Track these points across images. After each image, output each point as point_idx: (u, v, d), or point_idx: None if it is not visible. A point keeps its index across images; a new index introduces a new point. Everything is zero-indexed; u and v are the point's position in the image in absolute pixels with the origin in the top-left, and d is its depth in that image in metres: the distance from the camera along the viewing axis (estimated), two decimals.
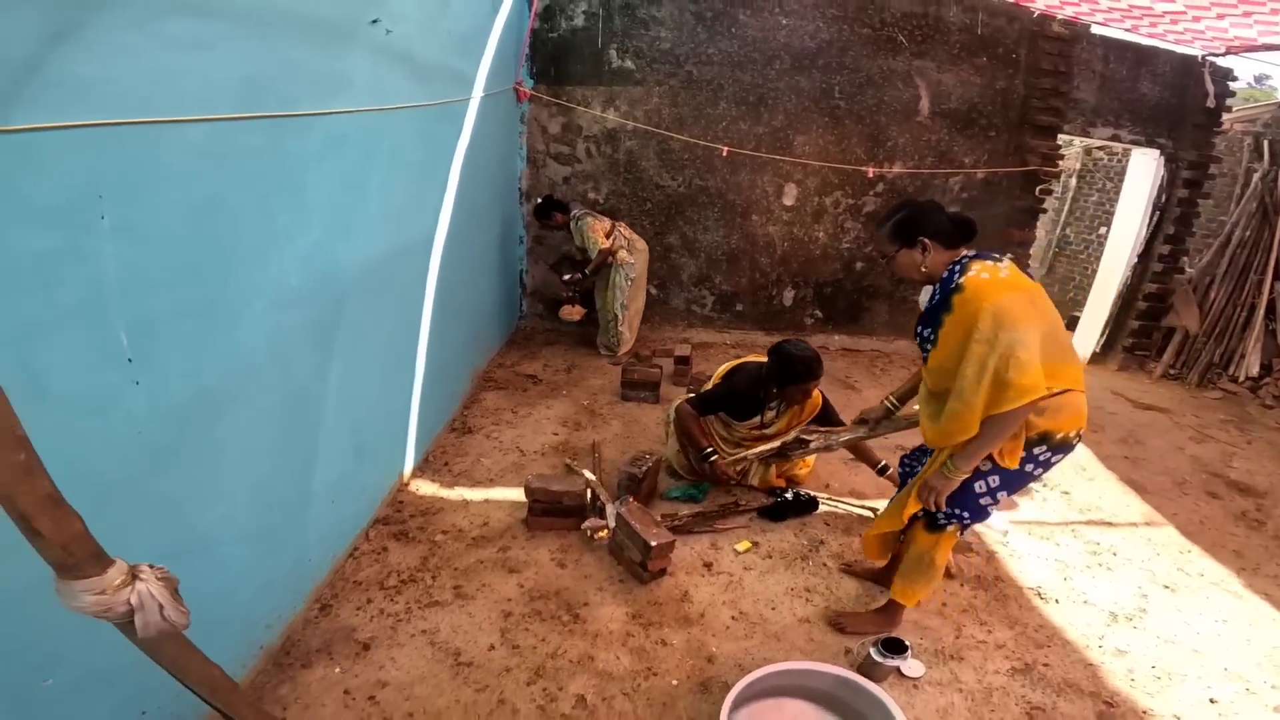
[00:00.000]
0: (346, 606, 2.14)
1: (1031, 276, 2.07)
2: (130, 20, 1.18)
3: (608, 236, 4.34)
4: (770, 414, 2.88)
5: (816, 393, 2.87)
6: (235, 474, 1.67)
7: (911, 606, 2.19)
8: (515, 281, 5.05)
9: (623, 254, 4.38)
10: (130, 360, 1.27)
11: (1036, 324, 1.70)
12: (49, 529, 0.82)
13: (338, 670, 1.89)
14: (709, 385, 2.99)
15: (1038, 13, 4.77)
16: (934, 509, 1.95)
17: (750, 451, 2.83)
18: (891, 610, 2.21)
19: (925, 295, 2.00)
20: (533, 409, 3.74)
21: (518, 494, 2.75)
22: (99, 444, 1.24)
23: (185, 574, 1.07)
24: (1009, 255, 1.91)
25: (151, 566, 1.03)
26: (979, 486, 1.92)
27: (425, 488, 2.85)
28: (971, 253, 1.85)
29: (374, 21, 2.10)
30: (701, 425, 2.87)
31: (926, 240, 1.84)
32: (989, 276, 1.74)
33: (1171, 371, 5.57)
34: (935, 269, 1.86)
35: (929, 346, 1.88)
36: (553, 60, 4.59)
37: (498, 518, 2.67)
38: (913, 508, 2.02)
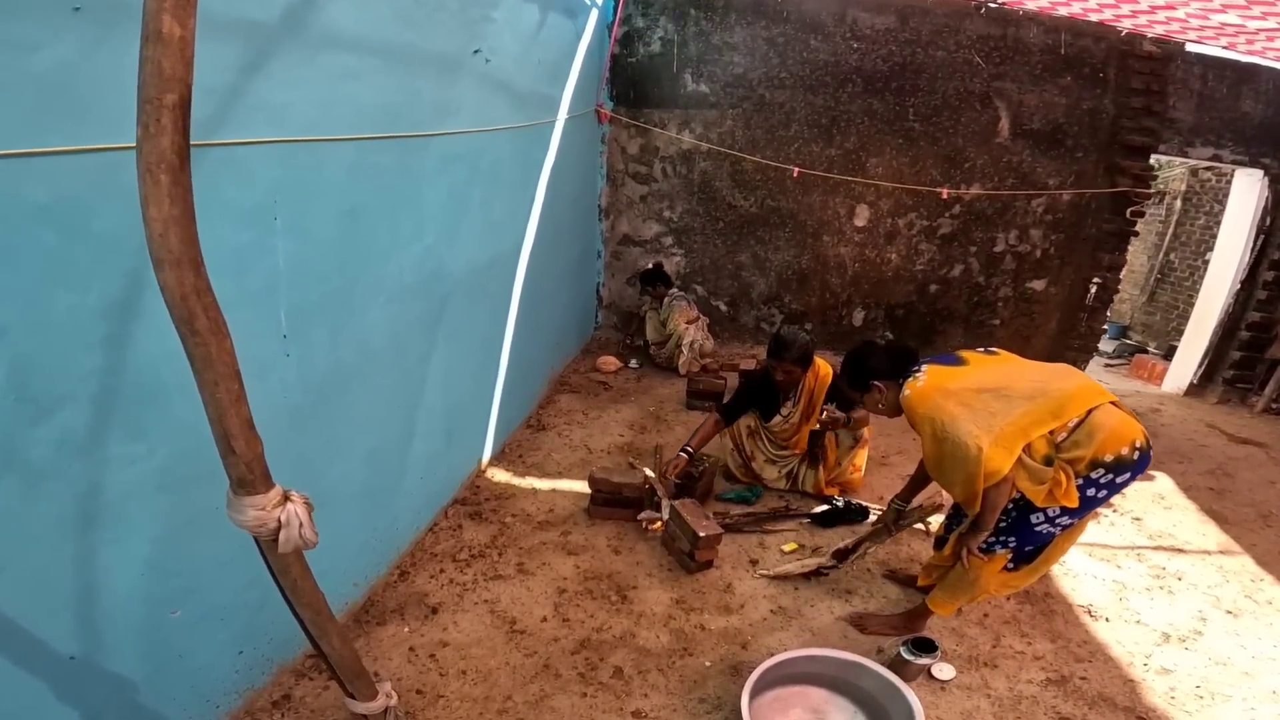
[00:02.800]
0: (422, 574, 2.40)
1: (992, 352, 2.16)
2: (304, 54, 1.51)
3: (689, 324, 4.68)
4: (788, 405, 3.00)
5: (822, 374, 2.95)
6: (354, 440, 2.00)
7: (944, 615, 2.23)
8: (592, 293, 5.34)
9: (692, 329, 4.67)
10: (285, 336, 1.59)
11: (967, 408, 1.84)
12: (242, 448, 1.09)
13: (406, 630, 2.14)
14: None
15: (1125, 32, 4.65)
16: (973, 555, 2.02)
17: (790, 566, 2.62)
18: (917, 615, 2.25)
19: None
20: (602, 412, 3.98)
21: (582, 486, 2.98)
22: (258, 403, 1.55)
23: None
24: (925, 362, 2.07)
25: (298, 493, 1.30)
26: (1035, 518, 1.94)
27: (500, 475, 3.14)
28: (910, 370, 2.05)
29: (476, 51, 2.43)
30: (711, 430, 2.96)
31: (877, 384, 2.11)
32: (910, 392, 1.98)
33: (1275, 405, 5.18)
34: (892, 403, 2.11)
35: None
36: (631, 84, 4.89)
37: (562, 505, 2.92)
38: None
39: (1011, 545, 2.02)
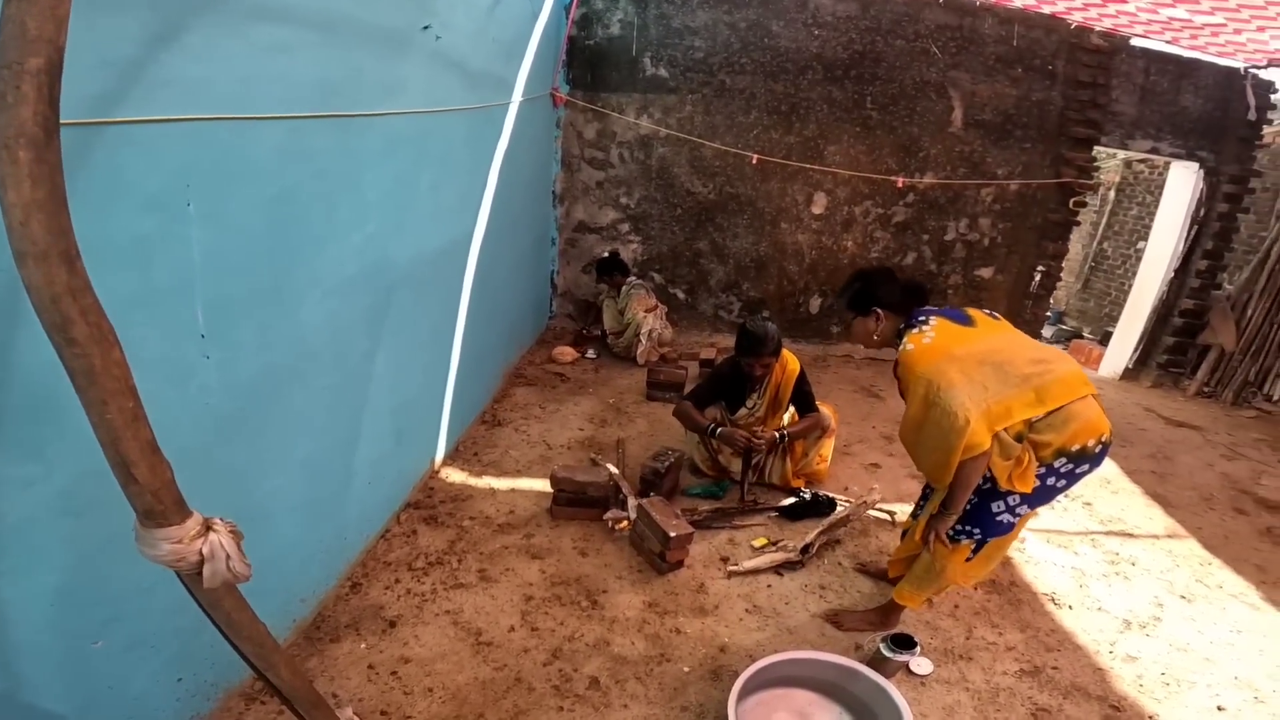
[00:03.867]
0: (376, 585, 2.24)
1: (994, 314, 2.12)
2: (226, 25, 1.32)
3: (648, 312, 4.61)
4: (753, 397, 2.96)
5: (790, 366, 2.92)
6: (290, 448, 1.81)
7: (914, 608, 2.22)
8: (546, 281, 5.18)
9: (650, 318, 4.61)
10: (204, 336, 1.41)
11: (966, 378, 1.78)
12: (145, 475, 0.92)
13: (364, 646, 1.99)
14: None
15: (1076, 25, 4.76)
16: (940, 542, 2.00)
17: (759, 561, 2.55)
18: (890, 610, 2.25)
19: None
20: (561, 405, 3.85)
21: (543, 485, 2.85)
22: (175, 411, 1.38)
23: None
24: (936, 312, 1.99)
25: (222, 520, 1.15)
26: (996, 506, 1.94)
27: (455, 476, 2.98)
28: (915, 317, 1.97)
29: (425, 28, 2.24)
30: (697, 410, 2.92)
31: (879, 310, 2.00)
32: (913, 347, 1.88)
33: (1206, 389, 5.46)
34: (886, 336, 2.03)
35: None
36: (589, 67, 4.73)
37: (523, 506, 2.78)
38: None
39: (976, 536, 2.02)
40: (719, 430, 2.86)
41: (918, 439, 1.86)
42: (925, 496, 2.25)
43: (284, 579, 1.89)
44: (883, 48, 4.76)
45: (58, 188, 0.68)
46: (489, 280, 3.41)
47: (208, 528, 1.06)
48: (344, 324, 1.98)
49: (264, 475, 1.71)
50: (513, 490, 2.90)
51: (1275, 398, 5.21)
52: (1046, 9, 4.56)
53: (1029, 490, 1.87)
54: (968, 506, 1.97)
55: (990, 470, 1.87)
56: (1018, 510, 1.95)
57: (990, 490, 1.92)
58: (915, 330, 1.92)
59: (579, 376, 4.36)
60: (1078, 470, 1.88)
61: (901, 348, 1.91)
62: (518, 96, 3.56)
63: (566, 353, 4.61)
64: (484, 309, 3.40)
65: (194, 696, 1.59)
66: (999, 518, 1.96)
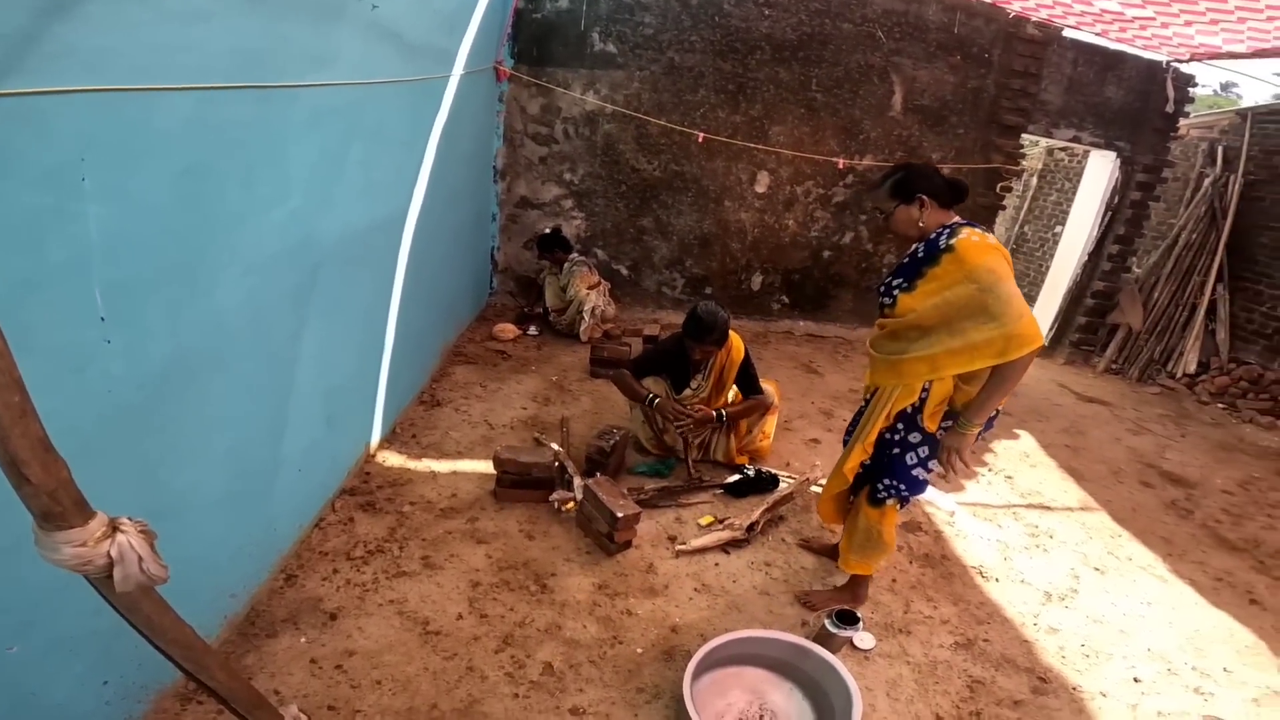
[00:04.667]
0: (313, 577, 2.16)
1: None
2: None
3: (590, 289, 4.57)
4: (698, 378, 3.00)
5: (735, 350, 2.96)
6: (209, 438, 1.70)
7: (870, 574, 2.30)
8: (487, 258, 5.04)
9: (594, 295, 4.59)
10: (104, 319, 1.29)
11: (1012, 283, 1.78)
12: (38, 475, 0.84)
13: (304, 640, 1.92)
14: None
15: (1014, 14, 4.91)
16: (957, 470, 1.97)
17: (706, 539, 2.59)
18: (855, 584, 2.33)
19: None
20: (502, 384, 3.78)
21: (486, 466, 2.80)
22: (74, 403, 1.26)
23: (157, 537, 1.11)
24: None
25: (131, 520, 1.06)
26: (909, 458, 2.03)
27: (393, 459, 2.88)
28: (962, 220, 1.93)
29: None
30: (637, 380, 2.93)
31: (925, 197, 1.91)
32: (979, 240, 1.83)
33: (1114, 366, 5.87)
34: (930, 226, 1.93)
35: (897, 293, 1.95)
36: (535, 41, 4.57)
37: (466, 489, 2.73)
38: (854, 461, 2.13)
39: (904, 494, 2.09)
40: (656, 400, 2.87)
41: (965, 320, 1.80)
42: (856, 422, 2.22)
43: (211, 575, 1.79)
44: (830, 30, 4.80)
45: None
46: (426, 257, 3.28)
47: (114, 528, 0.98)
48: (266, 304, 1.86)
49: (180, 468, 1.60)
50: (454, 473, 2.84)
51: (1178, 375, 5.63)
52: None
53: (934, 429, 1.96)
54: (887, 461, 2.04)
55: (919, 412, 1.96)
56: (928, 464, 2.04)
57: (903, 441, 2.02)
58: (979, 229, 1.88)
59: (521, 354, 4.29)
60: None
61: (963, 238, 1.84)
62: (459, 69, 3.40)
63: (508, 330, 4.52)
64: (421, 286, 3.27)
65: (123, 699, 1.50)
66: (914, 471, 2.04)
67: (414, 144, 2.99)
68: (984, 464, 3.65)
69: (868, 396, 2.15)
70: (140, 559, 0.98)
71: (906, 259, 1.99)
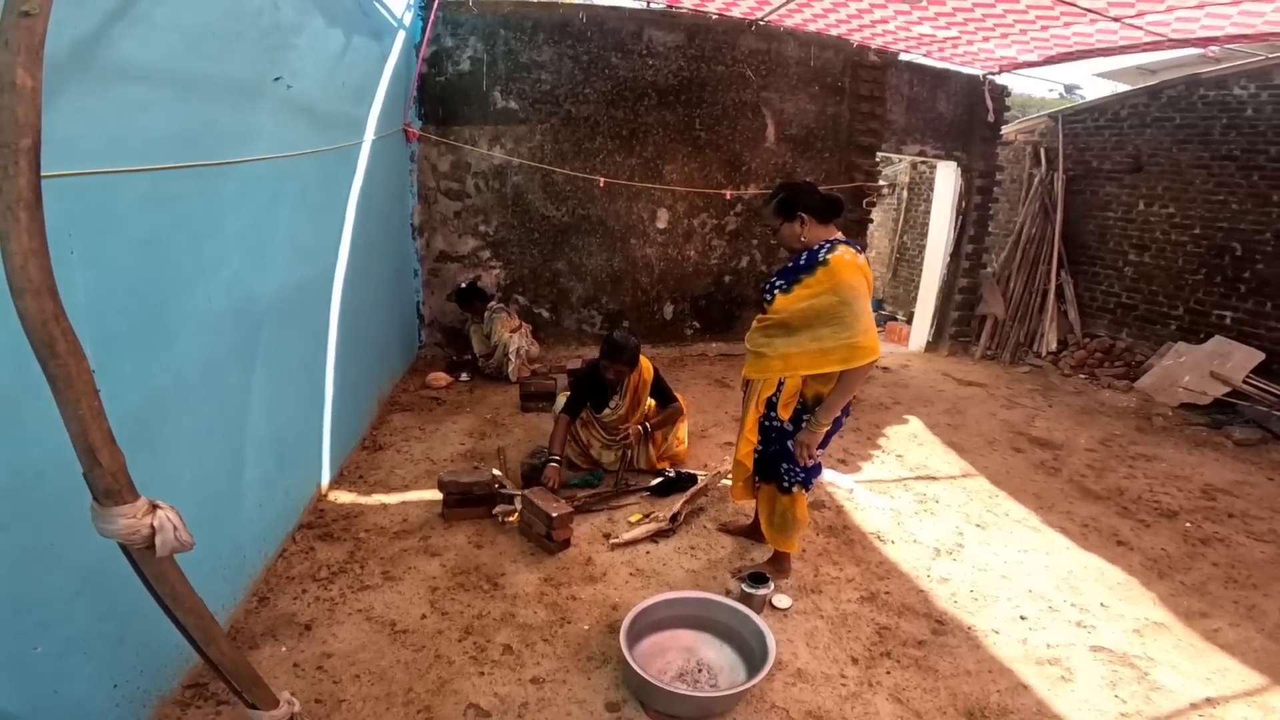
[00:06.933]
0: (284, 597, 2.34)
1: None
2: (92, 87, 1.47)
3: (513, 332, 4.88)
4: (615, 398, 3.36)
5: (645, 371, 3.35)
6: (178, 469, 1.91)
7: (794, 551, 2.61)
8: (413, 312, 5.27)
9: (516, 337, 4.90)
10: (95, 370, 1.51)
11: (867, 302, 2.19)
12: (107, 460, 1.10)
13: (284, 649, 2.10)
14: None
15: (857, 44, 5.59)
16: (809, 461, 2.34)
17: (636, 532, 2.90)
18: (779, 559, 2.63)
19: None
20: (439, 425, 4.00)
21: (432, 495, 3.02)
22: None
23: None
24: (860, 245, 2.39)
25: (164, 502, 1.28)
26: (791, 444, 2.38)
27: (344, 497, 3.07)
28: (842, 237, 2.28)
29: (277, 79, 2.40)
30: (564, 430, 3.20)
31: (804, 215, 2.24)
32: (850, 259, 2.17)
33: (989, 352, 6.62)
34: (811, 240, 2.25)
35: (776, 292, 2.29)
36: (440, 102, 4.94)
37: (416, 514, 2.95)
38: (745, 449, 2.48)
39: (803, 479, 2.44)
40: (548, 463, 3.06)
41: (823, 324, 2.15)
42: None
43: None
44: (706, 73, 5.38)
45: (44, 239, 0.92)
46: (355, 312, 3.52)
47: (154, 506, 1.23)
48: (218, 356, 2.10)
49: (155, 493, 1.79)
50: (403, 502, 3.06)
51: (1043, 354, 6.37)
52: (833, 31, 5.34)
53: (788, 417, 2.35)
54: (776, 447, 2.39)
55: (776, 403, 2.33)
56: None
57: (780, 429, 2.37)
58: (853, 249, 2.21)
59: (455, 398, 4.52)
60: (843, 418, 2.36)
61: (838, 254, 2.17)
62: (370, 135, 3.71)
63: (440, 378, 4.74)
64: (353, 339, 3.50)
65: (131, 703, 1.66)
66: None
67: (334, 207, 3.27)
68: (880, 448, 4.12)
69: (744, 389, 2.55)
70: (175, 528, 1.22)
71: (790, 264, 2.35)
